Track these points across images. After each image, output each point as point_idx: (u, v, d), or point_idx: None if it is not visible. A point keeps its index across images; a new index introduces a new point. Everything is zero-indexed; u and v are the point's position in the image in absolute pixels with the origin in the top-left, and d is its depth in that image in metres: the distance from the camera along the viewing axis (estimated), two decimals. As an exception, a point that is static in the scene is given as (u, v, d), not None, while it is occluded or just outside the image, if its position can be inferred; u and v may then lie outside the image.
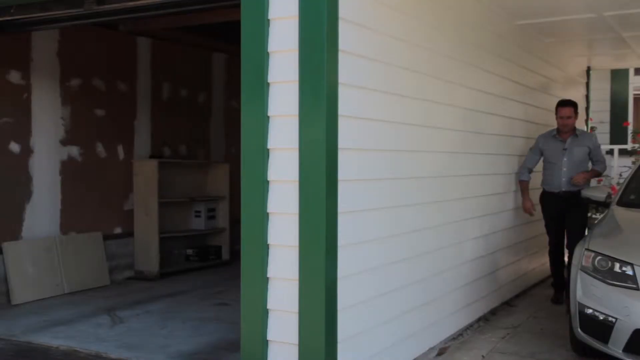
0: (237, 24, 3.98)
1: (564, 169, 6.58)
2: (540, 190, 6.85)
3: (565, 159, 6.58)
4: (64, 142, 7.38)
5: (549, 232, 6.91)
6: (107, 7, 4.97)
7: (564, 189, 6.60)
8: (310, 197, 3.71)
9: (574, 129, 6.65)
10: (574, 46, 8.15)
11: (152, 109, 8.45)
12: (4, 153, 6.79)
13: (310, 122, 3.70)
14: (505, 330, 5.81)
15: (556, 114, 6.66)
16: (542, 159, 6.82)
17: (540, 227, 7.31)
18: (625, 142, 11.15)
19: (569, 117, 6.58)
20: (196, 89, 9.21)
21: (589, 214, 9.69)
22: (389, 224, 4.45)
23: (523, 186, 6.77)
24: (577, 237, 6.06)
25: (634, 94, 12.20)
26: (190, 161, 8.97)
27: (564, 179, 6.58)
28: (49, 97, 7.22)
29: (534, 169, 6.88)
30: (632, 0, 5.85)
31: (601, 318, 4.52)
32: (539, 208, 6.91)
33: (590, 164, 6.78)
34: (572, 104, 6.64)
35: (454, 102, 5.40)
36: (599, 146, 6.78)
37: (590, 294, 4.66)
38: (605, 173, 10.89)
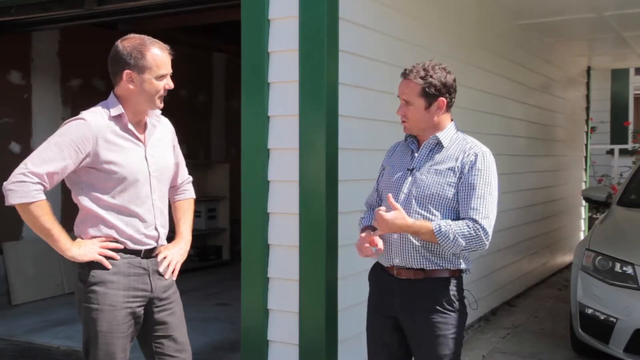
0: (237, 24, 3.98)
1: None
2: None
3: (404, 192, 2.82)
4: (65, 142, 7.37)
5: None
6: (107, 7, 4.97)
7: (397, 263, 2.83)
8: (310, 197, 3.71)
9: (433, 126, 2.86)
10: (574, 46, 8.15)
11: (152, 109, 8.44)
12: (4, 153, 6.78)
13: (310, 122, 3.70)
14: (506, 330, 5.81)
15: None
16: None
17: (540, 227, 7.26)
18: (626, 142, 11.17)
19: (406, 104, 2.82)
20: (196, 89, 9.20)
21: (590, 214, 9.72)
22: (389, 224, 4.44)
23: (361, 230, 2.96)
24: None
25: (635, 94, 12.19)
26: (190, 161, 8.92)
27: (395, 237, 2.79)
28: (50, 97, 7.21)
29: None
30: (632, 0, 5.84)
31: (602, 318, 4.52)
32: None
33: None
34: (410, 75, 2.81)
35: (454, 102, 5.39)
36: (477, 184, 2.75)
37: (590, 294, 4.66)
38: (605, 173, 10.96)
